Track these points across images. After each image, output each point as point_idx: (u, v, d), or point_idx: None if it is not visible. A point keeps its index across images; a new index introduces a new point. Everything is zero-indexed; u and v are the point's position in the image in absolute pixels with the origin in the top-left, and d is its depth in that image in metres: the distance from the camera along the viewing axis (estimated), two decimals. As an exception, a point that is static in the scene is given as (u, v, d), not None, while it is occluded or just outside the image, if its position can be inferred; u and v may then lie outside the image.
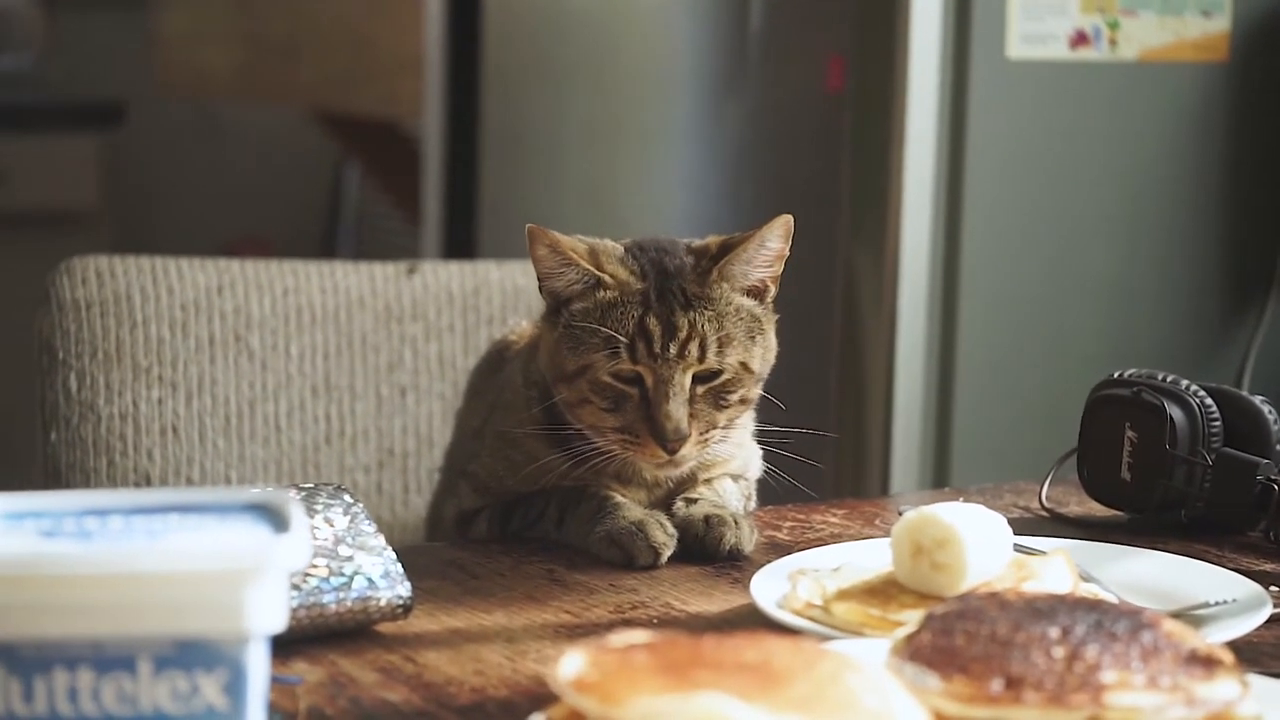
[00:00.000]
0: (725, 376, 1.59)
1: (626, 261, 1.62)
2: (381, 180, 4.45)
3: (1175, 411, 1.70)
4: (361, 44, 3.96)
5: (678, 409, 1.56)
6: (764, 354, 1.62)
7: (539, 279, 1.62)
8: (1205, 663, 1.12)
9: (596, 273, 1.60)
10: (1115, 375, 1.78)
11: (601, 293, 1.60)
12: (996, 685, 1.09)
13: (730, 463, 1.68)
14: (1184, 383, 1.72)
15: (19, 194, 4.54)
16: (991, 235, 2.68)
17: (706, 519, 1.60)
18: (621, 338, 1.57)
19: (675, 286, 1.60)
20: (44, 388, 2.09)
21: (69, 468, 2.07)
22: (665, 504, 1.64)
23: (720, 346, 1.58)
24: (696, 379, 1.58)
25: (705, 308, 1.59)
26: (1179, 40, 2.73)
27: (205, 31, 4.54)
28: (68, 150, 4.63)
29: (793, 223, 1.60)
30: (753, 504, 1.73)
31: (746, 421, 1.67)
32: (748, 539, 1.61)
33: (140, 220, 4.80)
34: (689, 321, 1.58)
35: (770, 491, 1.74)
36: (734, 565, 1.58)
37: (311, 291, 2.17)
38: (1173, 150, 2.77)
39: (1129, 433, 1.73)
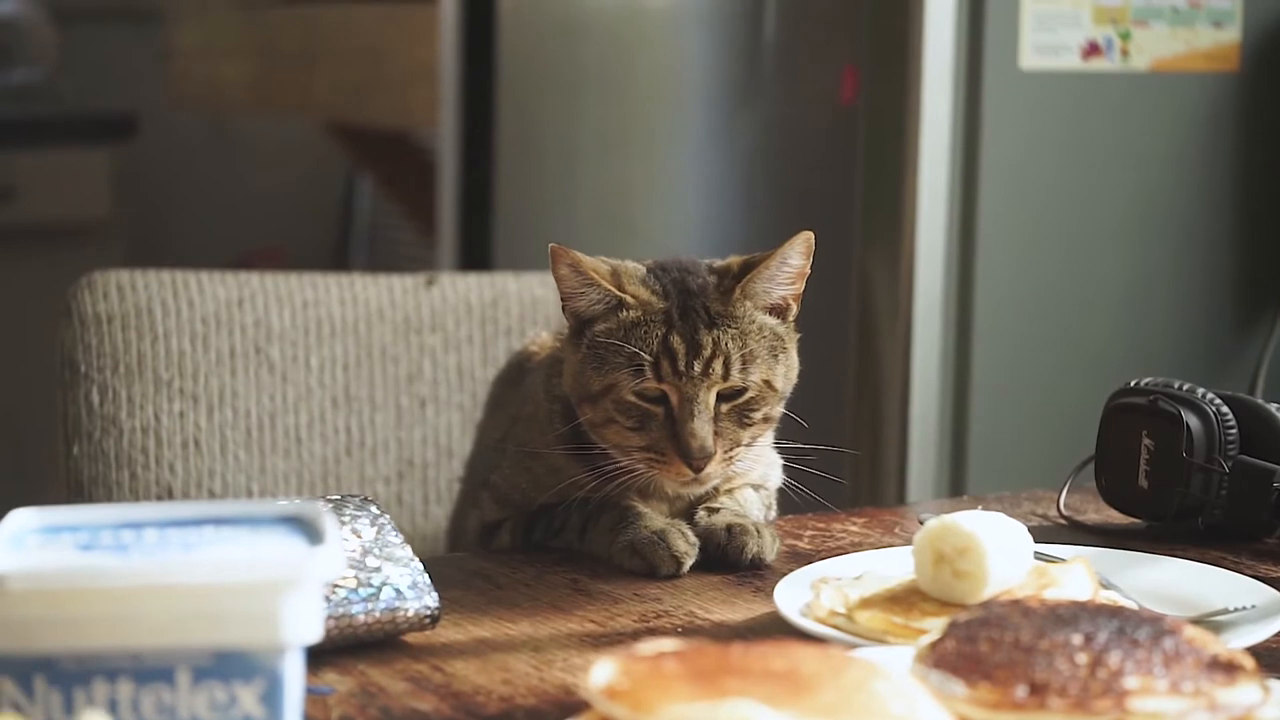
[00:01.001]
0: (749, 394, 1.59)
1: (648, 281, 1.62)
2: (394, 191, 4.46)
3: (1192, 419, 1.71)
4: (375, 55, 3.96)
5: (703, 427, 1.57)
6: (787, 372, 1.63)
7: (562, 298, 1.62)
8: (1227, 668, 1.13)
9: (618, 293, 1.60)
10: (1131, 384, 1.79)
11: (624, 313, 1.60)
12: (1021, 691, 1.10)
13: (751, 473, 1.69)
14: (1200, 390, 1.73)
15: (32, 207, 4.54)
16: (1005, 245, 2.69)
17: (728, 528, 1.61)
18: (646, 356, 1.57)
19: (698, 305, 1.60)
20: (66, 401, 2.10)
21: (91, 481, 2.08)
22: (687, 514, 1.65)
23: (744, 364, 1.58)
24: (721, 397, 1.58)
25: (729, 326, 1.59)
26: (1190, 50, 2.74)
27: (218, 44, 4.55)
28: (80, 163, 4.64)
29: (813, 239, 1.60)
30: (773, 513, 1.74)
31: (767, 434, 1.68)
32: (770, 548, 1.61)
33: (153, 233, 4.81)
34: (713, 339, 1.58)
35: (789, 504, 1.75)
36: (756, 574, 1.59)
37: (331, 304, 2.18)
38: (1185, 160, 2.77)
39: (1146, 441, 1.74)
